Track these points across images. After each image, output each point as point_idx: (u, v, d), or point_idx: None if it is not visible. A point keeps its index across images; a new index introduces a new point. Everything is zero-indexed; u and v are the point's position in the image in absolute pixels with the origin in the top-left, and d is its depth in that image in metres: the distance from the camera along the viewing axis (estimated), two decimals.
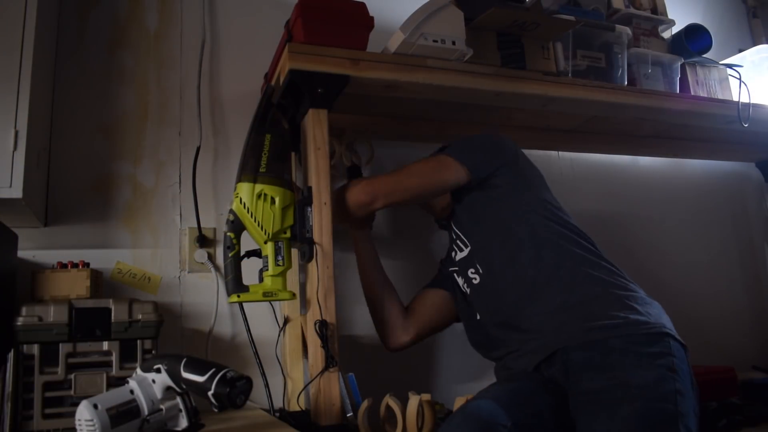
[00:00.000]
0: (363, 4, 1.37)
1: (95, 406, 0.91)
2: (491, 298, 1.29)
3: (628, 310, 1.14)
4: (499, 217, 1.30)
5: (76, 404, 0.93)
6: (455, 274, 1.43)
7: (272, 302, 1.52)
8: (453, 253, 1.42)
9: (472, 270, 1.33)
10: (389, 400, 1.17)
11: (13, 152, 1.14)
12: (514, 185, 1.33)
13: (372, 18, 1.37)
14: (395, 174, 1.35)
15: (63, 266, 1.28)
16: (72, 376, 1.17)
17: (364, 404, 1.18)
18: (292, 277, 1.43)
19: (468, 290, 1.36)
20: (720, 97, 1.85)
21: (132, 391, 0.97)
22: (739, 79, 1.82)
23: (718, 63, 1.89)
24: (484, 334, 1.33)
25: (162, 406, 0.98)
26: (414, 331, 1.44)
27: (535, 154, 1.43)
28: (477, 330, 1.36)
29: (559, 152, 2.04)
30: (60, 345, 1.17)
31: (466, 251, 1.36)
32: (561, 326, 1.15)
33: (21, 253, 1.35)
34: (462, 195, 1.37)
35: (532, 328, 1.19)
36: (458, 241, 1.39)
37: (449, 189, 1.36)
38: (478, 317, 1.34)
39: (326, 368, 1.17)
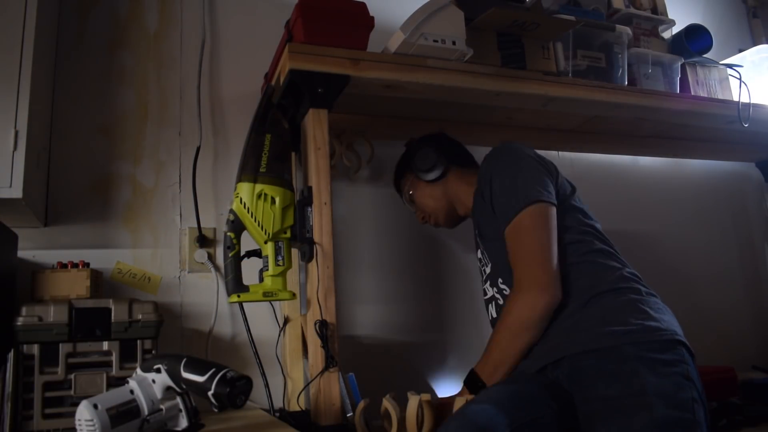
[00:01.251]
0: (363, 4, 1.37)
1: (95, 406, 0.91)
2: None
3: (642, 315, 1.12)
4: None
5: (76, 404, 0.93)
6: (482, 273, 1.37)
7: (272, 302, 1.52)
8: (480, 265, 1.37)
9: (501, 280, 1.27)
10: (386, 401, 1.17)
11: (13, 152, 1.15)
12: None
13: (372, 18, 1.37)
14: (530, 263, 1.16)
15: (63, 266, 1.28)
16: (72, 376, 1.17)
17: (361, 405, 1.18)
18: (292, 277, 1.43)
19: (498, 296, 1.29)
20: (720, 97, 1.84)
21: (132, 391, 0.97)
22: (739, 79, 1.82)
23: (718, 63, 1.88)
24: None
25: (162, 406, 0.98)
26: None
27: None
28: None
29: (559, 152, 2.04)
30: (60, 345, 1.17)
31: (489, 267, 1.32)
32: (572, 329, 1.14)
33: (21, 253, 1.35)
34: (483, 211, 1.29)
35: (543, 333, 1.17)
36: (483, 257, 1.34)
37: None
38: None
39: (326, 368, 1.18)
